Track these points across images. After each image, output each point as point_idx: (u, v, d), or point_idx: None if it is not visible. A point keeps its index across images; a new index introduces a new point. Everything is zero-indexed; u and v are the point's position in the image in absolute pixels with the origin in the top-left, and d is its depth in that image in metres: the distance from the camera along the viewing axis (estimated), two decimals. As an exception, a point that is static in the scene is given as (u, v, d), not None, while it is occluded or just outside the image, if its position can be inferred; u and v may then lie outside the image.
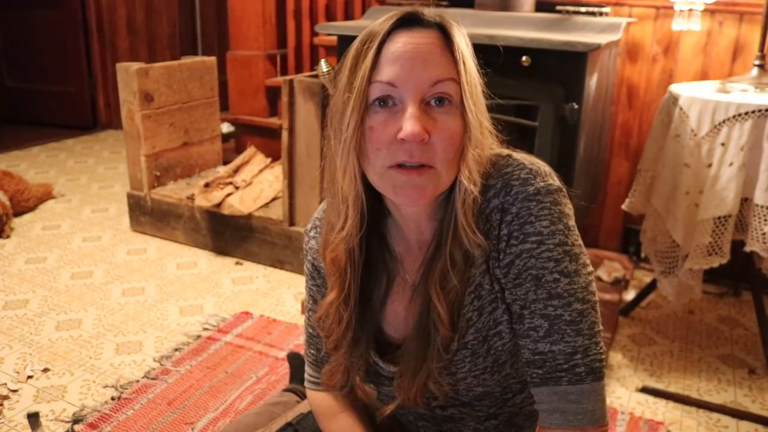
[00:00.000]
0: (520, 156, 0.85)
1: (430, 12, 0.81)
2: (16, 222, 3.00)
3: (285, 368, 1.84)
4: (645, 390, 1.85)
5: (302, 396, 1.45)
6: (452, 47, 0.80)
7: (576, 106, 1.69)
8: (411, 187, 0.78)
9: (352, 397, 1.02)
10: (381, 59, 0.78)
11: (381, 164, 0.79)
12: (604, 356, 0.79)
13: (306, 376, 1.07)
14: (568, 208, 0.82)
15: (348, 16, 3.33)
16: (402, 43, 0.78)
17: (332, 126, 0.85)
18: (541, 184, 0.80)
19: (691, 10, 2.14)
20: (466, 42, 0.81)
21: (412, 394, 0.88)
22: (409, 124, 0.75)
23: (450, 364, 0.89)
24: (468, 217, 0.80)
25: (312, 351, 1.04)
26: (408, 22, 0.80)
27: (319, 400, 1.05)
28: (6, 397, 1.74)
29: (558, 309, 0.78)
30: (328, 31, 2.26)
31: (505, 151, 0.86)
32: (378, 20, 0.82)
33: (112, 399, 1.75)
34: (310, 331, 1.03)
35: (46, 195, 3.29)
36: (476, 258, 0.83)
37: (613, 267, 2.44)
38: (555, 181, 0.82)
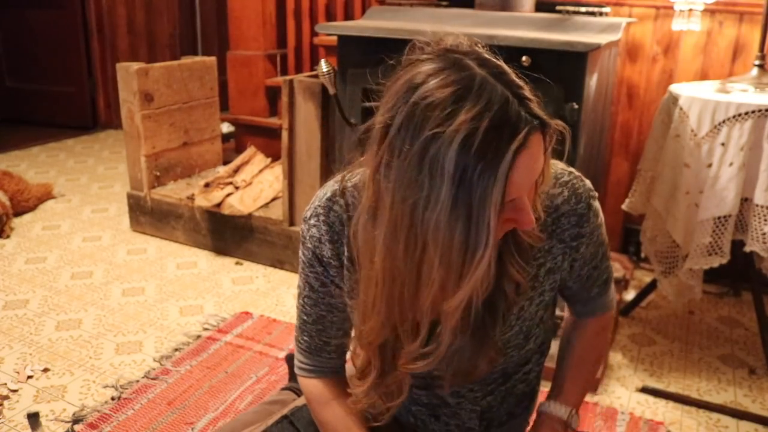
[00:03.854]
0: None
1: (522, 112, 0.72)
2: (16, 222, 3.00)
3: (285, 368, 1.84)
4: (645, 390, 1.85)
5: (300, 394, 1.45)
6: (545, 129, 0.75)
7: (576, 106, 1.69)
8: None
9: (343, 383, 1.02)
10: (506, 184, 0.72)
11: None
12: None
13: (297, 363, 1.06)
14: None
15: (348, 16, 3.33)
16: (524, 167, 0.73)
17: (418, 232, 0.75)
18: (591, 189, 0.95)
19: (691, 10, 2.15)
20: (524, 84, 0.77)
21: (478, 369, 0.92)
22: (527, 219, 0.78)
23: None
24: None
25: (305, 338, 1.02)
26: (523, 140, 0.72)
27: (311, 387, 1.04)
28: (6, 397, 1.74)
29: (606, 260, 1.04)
30: (328, 31, 2.26)
31: None
32: (461, 126, 0.69)
33: (112, 399, 1.75)
34: (304, 318, 1.01)
35: (46, 195, 3.29)
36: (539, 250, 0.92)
37: (613, 267, 2.43)
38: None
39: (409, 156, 0.71)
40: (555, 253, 0.93)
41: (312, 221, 0.96)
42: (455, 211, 0.71)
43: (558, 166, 0.93)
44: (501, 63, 0.75)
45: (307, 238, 0.97)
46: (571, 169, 0.95)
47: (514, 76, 0.74)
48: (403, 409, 1.06)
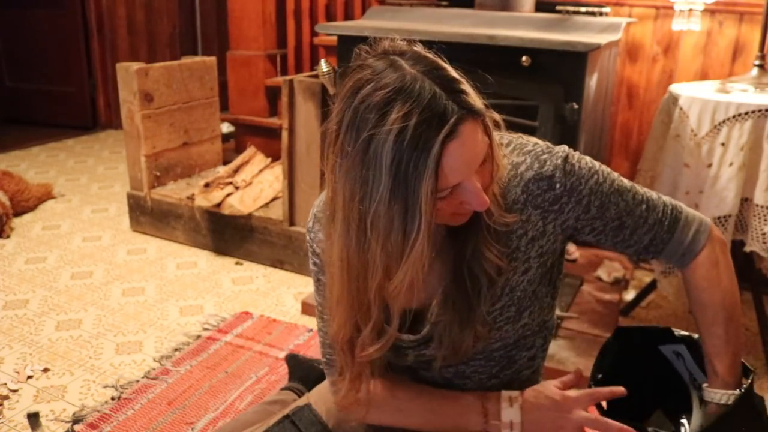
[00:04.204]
0: (509, 134, 0.98)
1: (452, 104, 0.78)
2: (16, 222, 3.00)
3: (285, 368, 1.84)
4: (645, 390, 1.85)
5: (300, 394, 1.45)
6: (479, 116, 0.81)
7: (576, 106, 1.69)
8: (466, 216, 0.89)
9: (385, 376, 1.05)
10: (439, 175, 0.78)
11: (442, 220, 0.87)
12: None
13: (334, 387, 1.05)
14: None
15: (348, 16, 3.33)
16: (456, 156, 0.78)
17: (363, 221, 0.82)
18: (561, 152, 0.95)
19: (691, 10, 2.15)
20: (462, 78, 0.82)
21: (465, 344, 0.95)
22: (479, 201, 0.83)
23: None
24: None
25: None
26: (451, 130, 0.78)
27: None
28: (6, 397, 1.74)
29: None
30: (328, 31, 2.26)
31: (505, 135, 0.97)
32: (393, 125, 0.76)
33: (112, 399, 1.75)
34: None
35: (46, 195, 3.29)
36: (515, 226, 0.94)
37: (613, 267, 2.44)
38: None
39: (352, 156, 0.80)
40: (534, 221, 0.94)
41: (315, 227, 1.01)
42: (393, 200, 0.78)
43: (524, 138, 0.98)
44: (437, 60, 0.82)
45: (315, 243, 1.01)
46: (540, 141, 0.97)
47: (449, 72, 0.81)
48: None
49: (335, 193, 0.84)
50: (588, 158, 0.97)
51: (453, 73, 0.81)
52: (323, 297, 1.03)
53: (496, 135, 0.93)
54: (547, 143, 0.97)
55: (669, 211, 1.00)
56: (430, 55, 0.82)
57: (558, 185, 0.92)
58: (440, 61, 0.82)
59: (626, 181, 0.99)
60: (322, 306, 1.04)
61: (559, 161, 0.93)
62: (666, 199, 1.02)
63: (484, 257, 0.91)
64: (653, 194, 1.01)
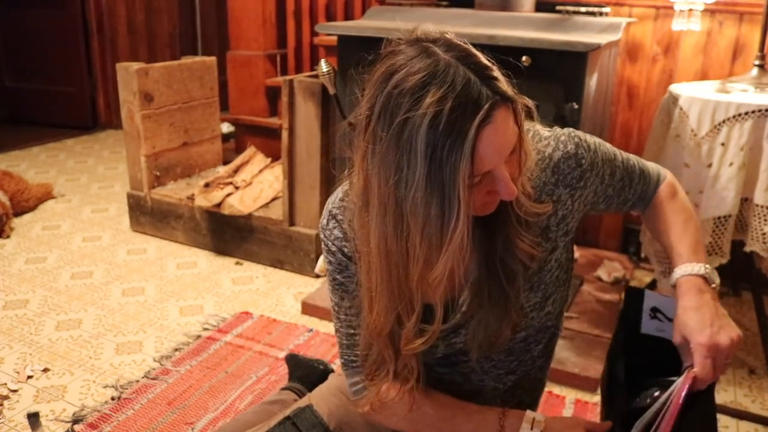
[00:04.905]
0: (530, 123, 0.98)
1: (486, 89, 0.78)
2: (16, 222, 3.00)
3: (285, 368, 1.84)
4: (645, 390, 1.85)
5: (300, 394, 1.45)
6: (512, 103, 0.81)
7: (576, 106, 1.69)
8: (495, 205, 0.88)
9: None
10: (474, 158, 0.78)
11: (471, 210, 0.86)
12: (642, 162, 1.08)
13: (355, 388, 1.04)
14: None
15: (348, 16, 3.33)
16: (489, 141, 0.78)
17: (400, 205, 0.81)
18: (568, 130, 0.98)
19: (691, 10, 2.15)
20: (495, 66, 0.82)
21: (503, 335, 0.95)
22: (508, 190, 0.82)
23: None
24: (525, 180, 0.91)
25: (357, 354, 1.01)
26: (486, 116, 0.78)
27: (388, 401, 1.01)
28: (6, 397, 1.74)
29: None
30: (328, 31, 2.26)
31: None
32: (428, 109, 0.76)
33: (112, 399, 1.75)
34: (351, 332, 1.01)
35: (46, 195, 3.29)
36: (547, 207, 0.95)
37: (613, 267, 2.44)
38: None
39: (386, 141, 0.79)
40: (563, 200, 0.96)
41: (330, 224, 0.99)
42: (429, 187, 0.77)
43: (535, 125, 0.99)
44: (468, 47, 0.81)
45: (331, 241, 0.99)
46: (546, 126, 1.00)
47: (481, 59, 0.80)
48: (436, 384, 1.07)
49: (368, 180, 0.83)
50: (584, 133, 1.01)
51: (485, 60, 0.81)
52: (340, 297, 1.01)
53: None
54: (554, 126, 1.00)
55: (635, 158, 1.08)
56: (461, 43, 0.82)
57: (583, 161, 0.95)
58: (472, 49, 0.81)
59: (608, 144, 1.04)
60: (338, 306, 1.02)
61: (576, 139, 0.96)
62: (626, 153, 1.09)
63: (517, 248, 0.91)
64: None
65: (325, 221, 1.00)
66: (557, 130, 0.99)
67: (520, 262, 0.92)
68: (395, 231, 0.82)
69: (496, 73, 0.80)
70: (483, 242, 0.92)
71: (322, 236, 1.01)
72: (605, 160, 0.99)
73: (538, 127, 0.99)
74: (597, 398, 1.79)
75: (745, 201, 1.80)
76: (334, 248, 0.98)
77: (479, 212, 0.88)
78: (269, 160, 3.00)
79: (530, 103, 0.86)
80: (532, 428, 0.95)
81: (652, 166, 1.10)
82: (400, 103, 0.77)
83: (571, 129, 0.99)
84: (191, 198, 2.73)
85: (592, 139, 1.00)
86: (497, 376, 1.04)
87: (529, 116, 0.88)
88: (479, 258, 0.93)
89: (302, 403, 1.16)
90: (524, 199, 0.89)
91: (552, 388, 1.82)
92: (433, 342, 0.92)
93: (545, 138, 0.97)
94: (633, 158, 1.07)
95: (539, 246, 0.94)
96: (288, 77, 2.41)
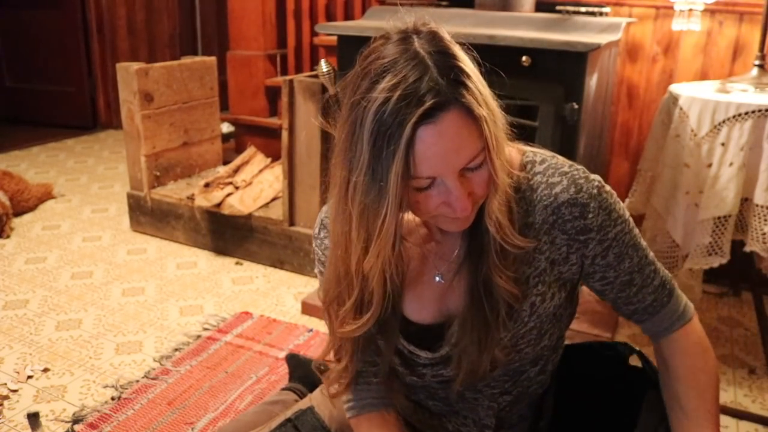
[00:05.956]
0: (544, 151, 0.95)
1: (441, 88, 0.75)
2: (16, 222, 3.00)
3: (285, 368, 1.84)
4: (645, 390, 1.85)
5: (300, 395, 1.45)
6: (473, 114, 0.76)
7: (576, 106, 1.69)
8: (460, 222, 0.85)
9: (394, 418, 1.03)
10: (411, 159, 0.76)
11: (426, 215, 0.85)
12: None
13: (347, 405, 1.05)
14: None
15: (348, 16, 3.33)
16: (429, 143, 0.75)
17: (348, 189, 0.81)
18: (597, 182, 0.91)
19: (691, 10, 2.14)
20: (475, 77, 0.78)
21: (482, 368, 0.92)
22: (459, 205, 0.79)
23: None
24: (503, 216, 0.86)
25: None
26: (427, 113, 0.75)
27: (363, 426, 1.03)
28: (6, 397, 1.74)
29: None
30: (328, 31, 2.26)
31: (528, 148, 0.94)
32: (379, 94, 0.74)
33: (112, 399, 1.75)
34: None
35: (46, 195, 3.29)
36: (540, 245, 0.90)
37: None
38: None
39: (343, 120, 0.79)
40: (558, 244, 0.90)
41: (322, 234, 0.99)
42: (369, 174, 0.77)
43: (560, 159, 0.94)
44: (450, 46, 0.78)
45: (321, 250, 0.99)
46: (576, 164, 0.93)
47: (460, 63, 0.77)
48: (420, 404, 1.06)
49: (335, 160, 0.84)
50: (618, 199, 0.93)
51: (464, 64, 0.77)
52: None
53: (532, 152, 0.92)
54: (584, 168, 0.92)
55: (668, 278, 0.99)
56: (446, 40, 0.79)
57: (591, 215, 0.88)
58: (455, 49, 0.78)
59: (642, 239, 0.96)
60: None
61: (595, 191, 0.89)
62: (660, 265, 1.00)
63: (494, 284, 0.87)
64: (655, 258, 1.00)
65: (317, 230, 1.00)
66: (580, 170, 0.91)
67: (502, 298, 0.88)
68: (341, 214, 0.83)
69: (472, 82, 0.76)
70: (470, 270, 0.90)
71: (314, 245, 1.01)
72: (619, 240, 0.91)
73: (560, 159, 0.93)
74: (597, 398, 1.79)
75: (745, 201, 1.80)
76: (324, 258, 0.98)
77: (440, 225, 0.87)
78: (269, 160, 3.00)
79: (507, 127, 0.83)
80: None
81: (681, 293, 1.00)
82: (360, 84, 0.77)
83: (599, 179, 0.91)
84: (191, 198, 2.73)
85: (619, 209, 0.92)
86: (491, 396, 1.01)
87: (515, 138, 0.86)
88: (466, 286, 0.91)
89: (303, 404, 1.16)
90: (498, 228, 0.84)
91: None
92: (366, 329, 0.90)
93: (561, 174, 0.90)
94: (659, 267, 0.98)
95: (522, 284, 0.90)
96: (288, 77, 2.41)
